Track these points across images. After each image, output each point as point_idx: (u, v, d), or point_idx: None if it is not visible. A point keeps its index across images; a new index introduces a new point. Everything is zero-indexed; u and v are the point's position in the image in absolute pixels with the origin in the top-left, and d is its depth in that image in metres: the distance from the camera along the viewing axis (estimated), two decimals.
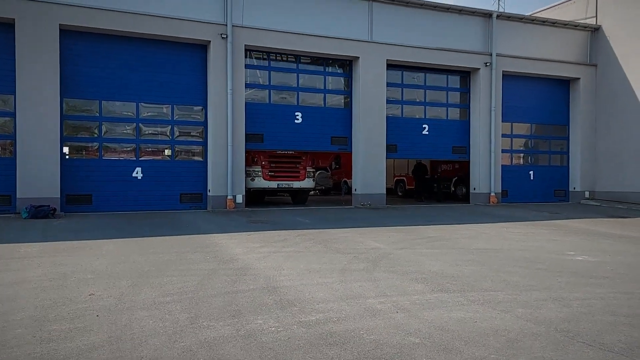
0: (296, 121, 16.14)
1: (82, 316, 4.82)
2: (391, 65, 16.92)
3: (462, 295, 5.72)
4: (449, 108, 18.48)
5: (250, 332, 4.42)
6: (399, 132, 17.31)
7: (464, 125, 18.51)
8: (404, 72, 17.58)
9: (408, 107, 17.88)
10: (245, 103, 15.13)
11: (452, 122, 18.45)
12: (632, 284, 6.48)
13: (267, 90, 16.00)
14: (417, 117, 17.93)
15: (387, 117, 16.84)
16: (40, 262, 7.29)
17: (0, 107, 13.07)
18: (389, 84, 16.93)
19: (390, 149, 17.16)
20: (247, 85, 15.41)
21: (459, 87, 18.61)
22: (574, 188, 19.83)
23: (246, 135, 15.16)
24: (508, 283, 6.36)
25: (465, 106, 18.59)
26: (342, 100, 17.01)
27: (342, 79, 16.99)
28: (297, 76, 16.32)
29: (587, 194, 19.68)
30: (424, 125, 17.87)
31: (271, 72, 16.04)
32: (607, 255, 8.51)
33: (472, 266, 7.39)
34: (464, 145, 18.46)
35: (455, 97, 18.61)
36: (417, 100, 18.03)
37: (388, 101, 16.96)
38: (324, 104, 16.69)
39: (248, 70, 15.43)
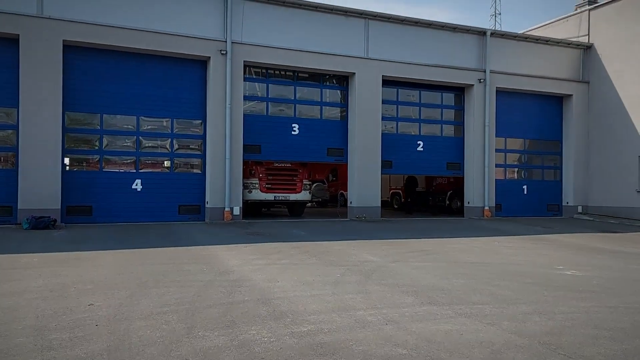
0: (293, 132, 16.41)
1: (81, 326, 4.97)
2: (387, 82, 17.23)
3: (451, 308, 5.89)
4: (443, 125, 18.79)
5: (244, 342, 4.59)
6: (394, 148, 17.61)
7: (458, 142, 18.81)
8: (399, 89, 17.90)
9: (403, 123, 18.19)
10: (244, 115, 15.41)
11: (446, 138, 18.77)
12: (616, 298, 6.65)
13: (265, 103, 16.30)
14: (412, 133, 18.23)
15: (383, 134, 17.12)
16: (40, 273, 7.45)
17: (4, 120, 13.32)
18: (384, 101, 17.24)
19: (386, 164, 17.42)
20: (246, 97, 15.70)
21: (453, 104, 18.93)
22: (567, 203, 20.09)
23: (244, 146, 15.41)
24: (496, 296, 6.54)
25: (459, 123, 18.89)
26: (339, 113, 17.31)
27: (338, 92, 17.30)
28: (295, 90, 16.62)
29: (580, 209, 19.93)
30: (418, 142, 18.18)
31: (269, 85, 16.35)
32: (595, 270, 8.70)
33: (462, 279, 7.58)
34: (458, 161, 18.74)
35: (449, 114, 18.92)
36: (413, 117, 18.34)
37: (384, 118, 17.25)
38: (321, 116, 16.97)
39: (247, 83, 15.75)
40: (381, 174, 17.19)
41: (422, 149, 18.17)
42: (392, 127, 17.93)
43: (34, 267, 7.86)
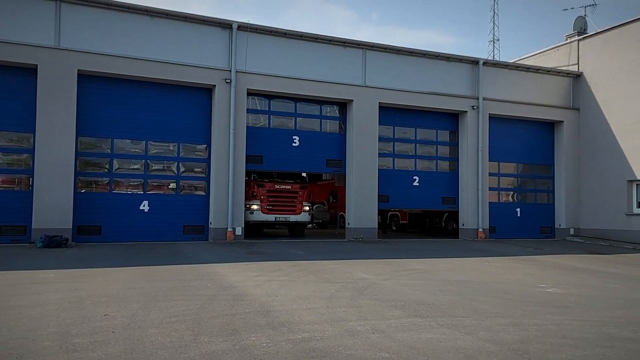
0: (294, 144, 17.17)
1: (100, 332, 5.54)
2: (383, 108, 18.00)
3: (434, 320, 6.45)
4: (438, 161, 19.44)
5: (245, 346, 5.16)
6: (391, 183, 18.32)
7: (453, 177, 19.46)
8: (396, 127, 18.65)
9: (400, 159, 18.87)
10: (247, 127, 16.17)
11: (442, 174, 19.42)
12: (590, 312, 7.17)
13: (267, 115, 17.09)
14: (408, 169, 18.94)
15: (380, 170, 17.83)
16: (58, 287, 8.03)
17: (21, 145, 14.07)
18: (381, 139, 18.02)
19: (383, 199, 18.08)
20: (249, 111, 16.42)
21: (448, 140, 19.59)
22: (560, 225, 20.65)
23: (246, 156, 16.14)
24: (477, 310, 7.09)
25: (454, 159, 19.50)
26: (337, 125, 18.04)
27: (337, 115, 18.05)
28: (295, 110, 17.39)
29: (572, 231, 20.46)
30: (414, 177, 18.88)
31: (271, 108, 17.14)
32: (575, 288, 9.22)
33: (448, 295, 8.12)
34: (453, 195, 19.39)
35: (444, 150, 19.58)
36: (409, 154, 19.01)
37: (381, 154, 17.98)
38: (320, 129, 17.78)
39: (250, 99, 16.50)
40: (378, 208, 17.80)
41: (418, 184, 18.88)
42: (388, 164, 18.64)
43: (51, 282, 8.44)
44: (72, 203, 13.96)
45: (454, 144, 19.62)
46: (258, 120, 17.00)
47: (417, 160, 19.09)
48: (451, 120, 19.59)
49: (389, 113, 18.36)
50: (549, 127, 21.14)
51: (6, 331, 5.54)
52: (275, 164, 17.11)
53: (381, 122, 17.91)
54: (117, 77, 14.87)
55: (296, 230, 18.79)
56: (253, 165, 16.65)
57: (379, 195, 17.71)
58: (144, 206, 15.12)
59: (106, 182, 15.00)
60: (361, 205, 17.40)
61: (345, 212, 18.14)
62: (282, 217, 17.58)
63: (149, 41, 15.03)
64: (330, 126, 18.02)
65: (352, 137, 17.52)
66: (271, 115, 17.19)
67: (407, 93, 18.15)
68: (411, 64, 18.46)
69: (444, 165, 19.59)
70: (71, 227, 13.86)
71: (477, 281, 9.77)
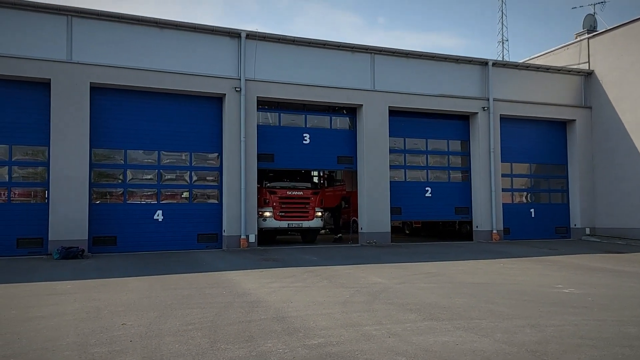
0: (304, 142, 17.26)
1: (118, 341, 5.60)
2: (394, 115, 18.01)
3: (450, 323, 6.41)
4: (450, 171, 19.36)
5: (261, 353, 5.19)
6: (403, 195, 18.25)
7: (466, 187, 19.35)
8: (407, 139, 18.60)
9: (411, 171, 18.85)
10: (257, 125, 16.29)
11: (454, 184, 19.32)
12: (607, 312, 7.07)
13: (277, 114, 17.22)
14: (420, 180, 18.89)
15: (392, 182, 17.80)
16: (75, 298, 8.12)
17: (37, 158, 14.30)
18: (392, 150, 18.03)
19: (395, 211, 18.02)
20: (259, 110, 16.54)
21: (460, 150, 19.49)
22: (575, 225, 20.43)
23: (258, 155, 16.24)
24: (493, 312, 7.03)
25: (466, 169, 19.40)
26: (347, 123, 18.06)
27: (347, 119, 18.11)
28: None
29: (588, 231, 20.24)
30: (427, 188, 18.82)
31: (281, 116, 17.27)
32: (592, 288, 9.11)
33: (464, 298, 8.07)
34: (467, 205, 19.27)
35: (456, 160, 19.48)
36: (421, 165, 18.97)
37: (392, 167, 17.95)
38: (330, 126, 17.83)
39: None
40: (390, 220, 17.75)
41: (430, 195, 18.81)
42: (400, 175, 18.62)
43: (68, 293, 8.54)
44: (88, 214, 14.15)
45: (465, 154, 19.53)
46: (268, 120, 17.10)
47: (429, 171, 19.05)
48: (462, 124, 19.50)
49: (399, 122, 18.27)
50: (561, 127, 20.97)
51: (26, 342, 5.62)
52: (286, 162, 17.19)
53: (392, 133, 17.92)
54: (129, 89, 15.07)
55: (309, 236, 18.81)
56: (264, 163, 16.73)
57: (391, 208, 17.69)
58: (158, 216, 15.27)
59: (120, 192, 15.18)
60: (373, 209, 17.38)
61: (357, 217, 18.10)
62: (294, 223, 17.63)
63: (159, 52, 15.23)
64: (341, 123, 18.07)
65: (362, 140, 17.52)
66: (281, 114, 17.29)
67: (417, 96, 18.15)
68: (420, 67, 18.46)
69: (457, 176, 19.52)
70: (87, 238, 14.04)
71: (493, 283, 9.70)
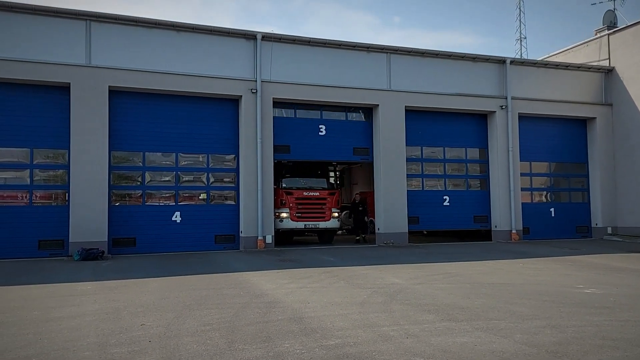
0: (320, 133, 17.27)
1: (137, 342, 5.67)
2: (410, 111, 17.91)
3: (469, 324, 6.36)
4: (468, 179, 19.18)
5: (279, 353, 5.20)
6: (420, 203, 18.13)
7: (484, 195, 19.13)
8: (424, 148, 18.49)
9: (429, 180, 18.73)
10: (273, 117, 16.35)
11: (472, 192, 19.13)
12: (629, 312, 6.95)
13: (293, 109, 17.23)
14: (438, 188, 18.76)
15: (408, 191, 17.69)
16: (95, 299, 8.25)
17: (57, 161, 14.55)
18: (409, 159, 17.95)
19: (413, 220, 17.86)
20: (275, 105, 16.54)
21: (478, 158, 19.31)
22: (596, 224, 20.08)
23: (274, 147, 16.29)
24: (513, 313, 6.95)
25: (484, 176, 19.19)
26: (363, 114, 17.99)
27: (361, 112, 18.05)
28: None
29: (609, 230, 19.87)
30: (444, 197, 18.67)
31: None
32: (614, 288, 8.94)
33: (482, 299, 7.98)
34: (485, 214, 19.05)
35: (474, 167, 19.30)
36: (438, 173, 18.85)
37: (409, 176, 17.87)
38: (346, 117, 17.79)
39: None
40: (408, 231, 17.62)
41: (448, 204, 18.64)
42: (418, 184, 18.51)
43: (88, 294, 8.68)
44: (107, 216, 14.35)
45: (484, 161, 19.32)
46: (283, 112, 17.13)
47: (446, 179, 18.90)
48: (480, 125, 19.25)
49: (416, 124, 18.12)
50: (581, 124, 20.65)
51: (47, 342, 5.72)
52: (302, 153, 17.19)
53: (409, 142, 17.85)
54: (147, 92, 15.25)
55: (326, 237, 18.81)
56: (281, 155, 16.79)
57: (409, 217, 17.57)
58: (176, 217, 15.43)
59: (139, 194, 15.36)
60: (390, 208, 17.30)
61: (374, 218, 18.04)
62: (311, 224, 17.65)
63: (176, 55, 15.38)
64: (356, 115, 18.01)
65: (378, 140, 17.44)
66: (297, 107, 17.33)
67: (433, 95, 18.03)
68: (437, 66, 18.34)
69: (475, 183, 19.33)
70: (107, 239, 14.24)
71: (512, 283, 9.58)
